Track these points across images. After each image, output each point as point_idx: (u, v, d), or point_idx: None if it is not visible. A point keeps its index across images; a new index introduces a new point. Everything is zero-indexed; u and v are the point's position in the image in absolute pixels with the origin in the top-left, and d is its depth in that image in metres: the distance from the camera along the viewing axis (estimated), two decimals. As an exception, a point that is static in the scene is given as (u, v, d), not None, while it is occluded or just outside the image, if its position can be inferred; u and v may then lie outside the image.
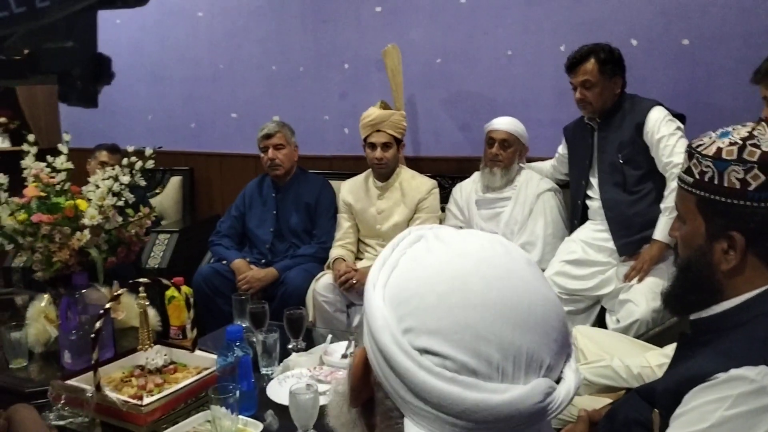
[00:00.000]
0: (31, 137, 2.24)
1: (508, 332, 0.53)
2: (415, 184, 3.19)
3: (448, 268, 0.56)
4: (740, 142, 1.09)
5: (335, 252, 3.17)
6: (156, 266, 3.51)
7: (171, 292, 2.15)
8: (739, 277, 1.10)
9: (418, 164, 3.51)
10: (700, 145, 1.14)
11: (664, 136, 2.52)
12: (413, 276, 0.57)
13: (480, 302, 0.54)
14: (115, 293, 1.88)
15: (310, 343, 2.24)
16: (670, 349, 1.45)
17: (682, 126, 2.57)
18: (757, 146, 1.07)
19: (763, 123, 1.11)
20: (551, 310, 0.56)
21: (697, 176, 1.13)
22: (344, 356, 2.06)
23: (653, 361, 1.67)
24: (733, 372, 1.00)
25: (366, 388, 0.59)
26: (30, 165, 2.20)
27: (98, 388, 1.68)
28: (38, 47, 0.42)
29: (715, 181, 1.09)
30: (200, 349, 1.99)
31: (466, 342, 0.53)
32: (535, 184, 3.00)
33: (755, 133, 1.09)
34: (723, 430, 0.98)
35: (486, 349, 0.53)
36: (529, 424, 0.54)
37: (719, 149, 1.10)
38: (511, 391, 0.52)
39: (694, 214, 1.14)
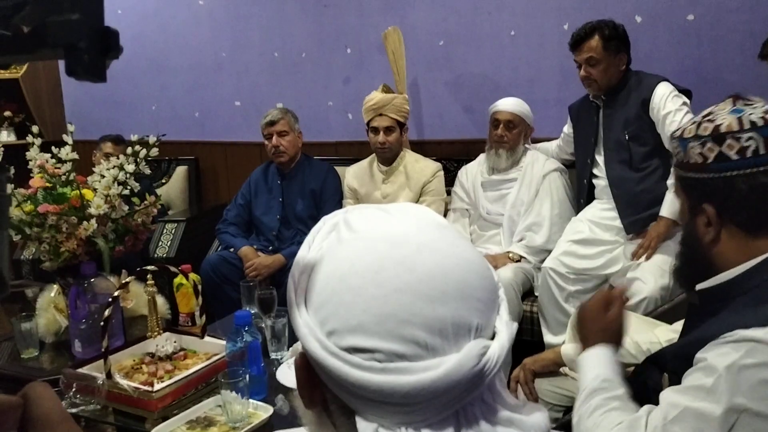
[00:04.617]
0: (35, 129, 2.24)
1: (428, 309, 0.53)
2: (419, 167, 3.18)
3: (360, 261, 0.56)
4: (699, 119, 1.15)
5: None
6: (164, 255, 3.53)
7: (179, 279, 2.16)
8: (721, 246, 1.14)
9: (423, 148, 3.49)
10: (679, 127, 1.22)
11: (671, 112, 2.50)
12: (328, 275, 0.57)
13: (395, 288, 0.54)
14: (124, 281, 1.88)
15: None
16: (679, 325, 1.46)
17: (688, 101, 2.55)
18: (712, 121, 1.12)
19: (731, 98, 1.15)
20: (469, 270, 0.56)
21: (675, 156, 1.20)
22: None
23: (662, 336, 1.66)
24: (741, 332, 1.02)
25: (316, 391, 0.59)
26: (35, 156, 2.20)
27: (109, 375, 1.69)
28: (43, 21, 0.41)
29: (684, 159, 1.16)
30: (209, 336, 1.99)
31: (390, 330, 0.53)
32: (541, 164, 2.98)
33: (716, 109, 1.15)
34: (731, 380, 0.99)
35: (410, 332, 0.53)
36: (473, 388, 0.54)
37: (683, 129, 1.17)
38: (444, 364, 0.52)
39: (680, 193, 1.21)
